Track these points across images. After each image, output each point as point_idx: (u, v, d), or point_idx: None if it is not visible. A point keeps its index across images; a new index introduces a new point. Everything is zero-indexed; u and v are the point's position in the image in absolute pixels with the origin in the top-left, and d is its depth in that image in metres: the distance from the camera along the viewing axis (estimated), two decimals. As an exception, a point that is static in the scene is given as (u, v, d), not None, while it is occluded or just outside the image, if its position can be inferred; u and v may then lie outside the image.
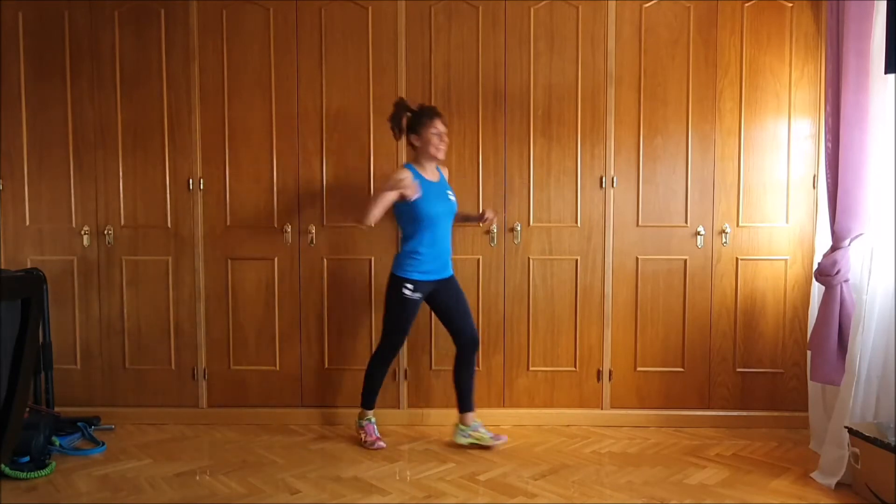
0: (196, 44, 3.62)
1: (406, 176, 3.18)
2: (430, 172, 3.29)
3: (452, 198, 3.33)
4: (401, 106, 3.28)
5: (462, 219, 3.44)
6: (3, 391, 1.60)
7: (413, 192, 3.16)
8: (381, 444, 3.36)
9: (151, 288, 3.71)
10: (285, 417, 3.70)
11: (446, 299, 3.34)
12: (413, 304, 3.27)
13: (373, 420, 3.43)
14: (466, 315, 3.36)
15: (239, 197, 3.67)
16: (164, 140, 3.65)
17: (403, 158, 3.60)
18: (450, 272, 3.36)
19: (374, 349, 3.46)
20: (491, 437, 3.33)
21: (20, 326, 1.62)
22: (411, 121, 3.25)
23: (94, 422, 3.58)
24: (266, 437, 3.52)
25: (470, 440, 3.33)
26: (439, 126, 3.23)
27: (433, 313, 3.49)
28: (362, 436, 3.40)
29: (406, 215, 3.24)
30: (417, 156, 3.29)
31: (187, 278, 3.70)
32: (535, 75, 3.59)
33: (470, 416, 3.36)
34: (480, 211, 3.48)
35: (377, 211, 3.14)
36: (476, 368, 3.46)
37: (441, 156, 3.27)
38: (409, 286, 3.23)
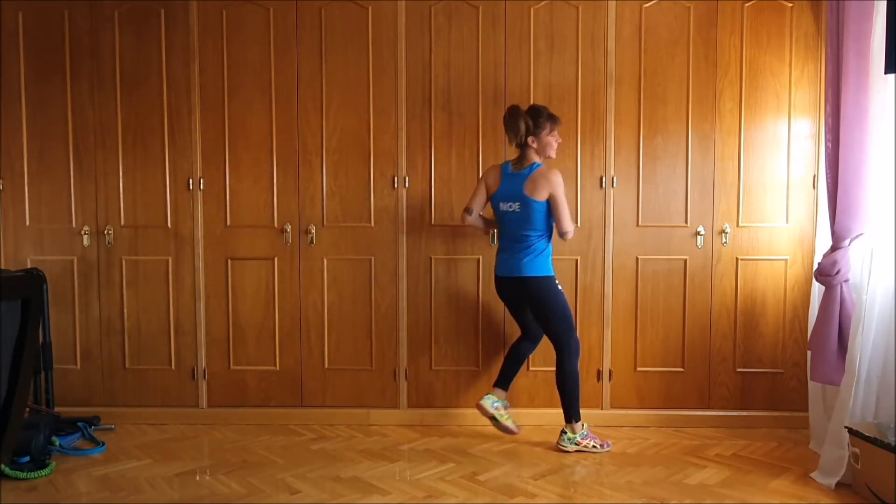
0: (196, 44, 3.62)
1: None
2: None
3: None
4: (515, 114, 3.24)
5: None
6: (3, 391, 1.60)
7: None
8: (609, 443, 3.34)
9: (151, 288, 3.71)
10: (285, 417, 3.70)
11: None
12: (562, 293, 3.32)
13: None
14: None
15: (239, 197, 3.67)
16: (164, 140, 3.65)
17: (403, 158, 3.61)
18: None
19: (558, 360, 3.31)
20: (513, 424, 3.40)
21: (20, 326, 1.62)
22: (544, 120, 3.24)
23: (94, 422, 3.58)
24: (266, 437, 3.52)
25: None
26: (557, 132, 3.28)
27: (507, 310, 3.53)
28: (590, 443, 3.31)
29: (546, 215, 3.23)
30: (538, 156, 3.29)
31: (187, 278, 3.70)
32: (535, 75, 3.59)
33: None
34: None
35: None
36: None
37: (554, 155, 3.31)
38: (556, 280, 3.30)
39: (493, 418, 3.36)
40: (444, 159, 3.61)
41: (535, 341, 3.46)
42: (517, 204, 3.21)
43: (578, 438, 3.30)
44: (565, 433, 3.31)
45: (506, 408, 3.40)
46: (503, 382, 3.43)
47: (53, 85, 3.64)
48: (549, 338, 3.32)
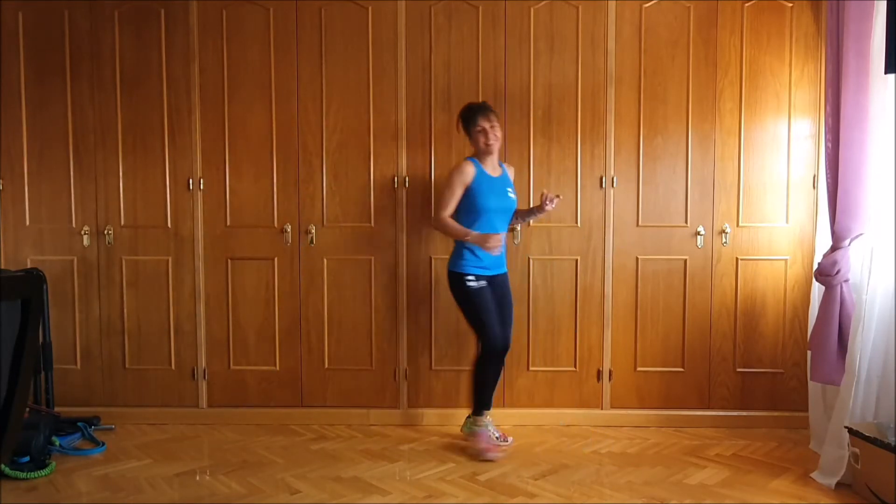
0: (196, 44, 3.62)
1: (466, 169, 3.23)
2: (492, 168, 3.30)
3: (512, 195, 3.33)
4: (464, 109, 3.31)
5: (526, 215, 3.43)
6: (3, 391, 1.60)
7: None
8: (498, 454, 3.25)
9: (151, 288, 3.71)
10: (285, 417, 3.70)
11: (495, 297, 3.33)
12: (481, 292, 3.26)
13: (489, 424, 3.35)
14: (504, 322, 3.34)
15: (239, 197, 3.67)
16: (164, 140, 3.65)
17: (403, 158, 3.61)
18: (503, 269, 3.38)
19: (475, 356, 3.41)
20: (498, 438, 3.35)
21: (20, 326, 1.62)
22: (462, 120, 3.29)
23: (94, 422, 3.58)
24: (266, 437, 3.52)
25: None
26: (482, 123, 3.23)
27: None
28: (478, 442, 3.29)
29: (463, 208, 3.25)
30: (478, 150, 3.30)
31: (187, 278, 3.70)
32: (535, 75, 3.59)
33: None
34: (543, 197, 3.29)
35: (451, 208, 3.24)
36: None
37: (491, 151, 3.26)
38: (471, 277, 3.25)
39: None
40: (444, 159, 3.61)
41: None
42: None
43: (476, 429, 3.33)
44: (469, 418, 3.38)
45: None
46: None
47: (53, 85, 3.64)
48: None
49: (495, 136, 3.24)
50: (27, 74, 3.65)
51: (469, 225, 3.23)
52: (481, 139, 3.23)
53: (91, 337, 3.74)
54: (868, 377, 2.94)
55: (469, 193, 3.22)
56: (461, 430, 3.42)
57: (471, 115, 3.25)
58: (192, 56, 3.62)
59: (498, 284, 3.34)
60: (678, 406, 3.67)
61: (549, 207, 3.27)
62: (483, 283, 3.26)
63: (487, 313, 3.25)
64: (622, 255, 3.63)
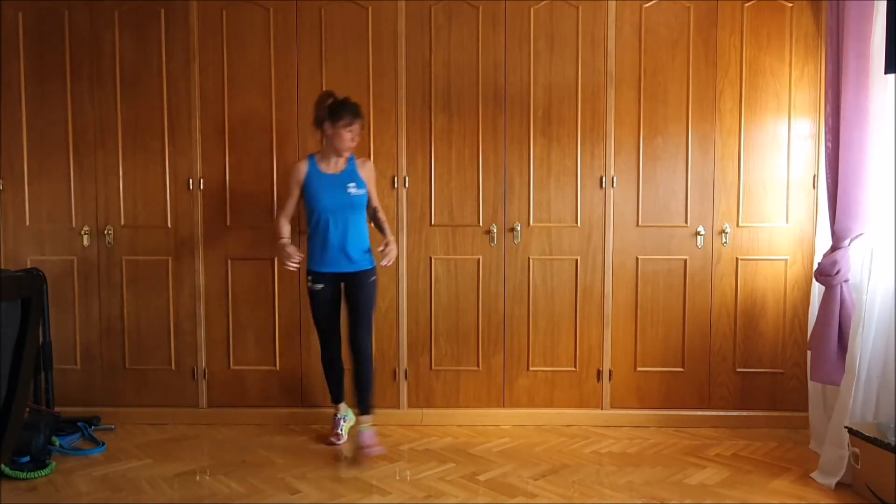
0: (196, 44, 3.62)
1: (298, 167, 3.27)
2: (332, 164, 3.26)
3: (353, 191, 3.24)
4: (326, 94, 3.24)
5: (372, 220, 3.36)
6: (3, 391, 1.60)
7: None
8: (337, 441, 3.41)
9: (151, 288, 3.71)
10: (285, 417, 3.70)
11: (347, 296, 3.33)
12: (316, 295, 3.29)
13: (341, 416, 3.49)
14: (355, 322, 3.29)
15: (239, 197, 3.67)
16: (164, 140, 3.65)
17: (404, 158, 3.61)
18: (350, 268, 3.27)
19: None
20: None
21: (20, 326, 1.62)
22: (329, 110, 3.18)
23: (94, 422, 3.58)
24: (266, 437, 3.52)
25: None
26: (343, 129, 3.15)
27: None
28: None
29: (305, 206, 3.31)
30: (324, 146, 3.27)
31: (187, 278, 3.70)
32: (534, 75, 3.59)
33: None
34: (384, 241, 3.19)
35: (287, 207, 3.31)
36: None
37: (339, 155, 3.23)
38: (310, 277, 3.29)
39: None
40: (444, 159, 3.61)
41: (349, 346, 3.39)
42: None
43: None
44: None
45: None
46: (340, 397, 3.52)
47: (53, 85, 3.64)
48: None
49: (350, 146, 3.22)
50: (27, 74, 3.64)
51: (312, 223, 3.27)
52: (335, 143, 3.19)
53: (91, 337, 3.74)
54: (868, 377, 2.94)
55: (304, 191, 3.27)
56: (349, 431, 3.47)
57: (337, 114, 3.16)
58: (192, 56, 3.62)
59: (350, 285, 3.29)
60: (678, 406, 3.67)
61: (384, 263, 3.21)
62: (320, 286, 3.27)
63: (317, 319, 3.34)
64: (622, 255, 3.63)
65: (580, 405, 3.69)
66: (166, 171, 3.67)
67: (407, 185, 3.62)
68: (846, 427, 2.85)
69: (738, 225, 3.60)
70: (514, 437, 3.46)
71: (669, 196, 3.61)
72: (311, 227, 3.28)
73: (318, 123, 3.23)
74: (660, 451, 3.32)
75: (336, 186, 3.23)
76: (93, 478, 3.01)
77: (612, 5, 3.55)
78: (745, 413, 3.64)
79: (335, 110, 3.18)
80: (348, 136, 3.19)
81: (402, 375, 3.70)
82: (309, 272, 3.29)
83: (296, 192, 3.28)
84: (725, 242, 3.60)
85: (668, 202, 3.61)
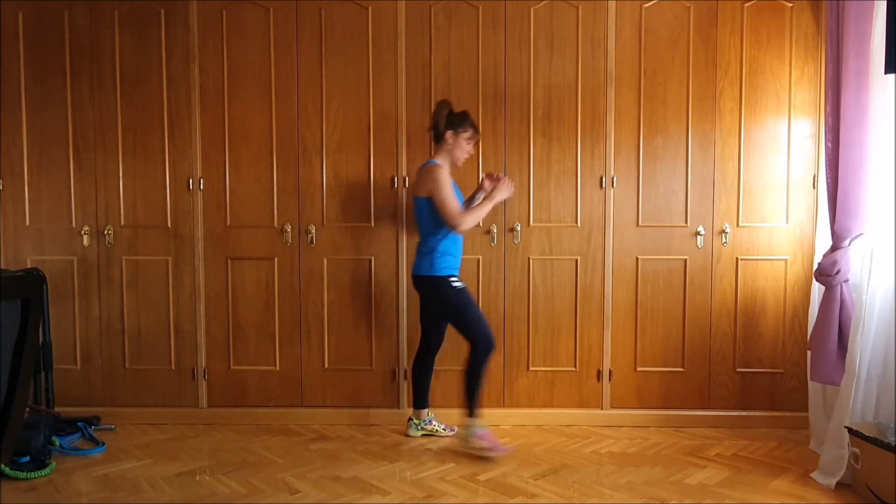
0: (196, 44, 3.62)
1: (446, 172, 3.22)
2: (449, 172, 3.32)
3: None
4: (445, 103, 3.29)
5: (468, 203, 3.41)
6: (3, 391, 1.60)
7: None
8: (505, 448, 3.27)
9: (151, 288, 3.71)
10: (285, 417, 3.70)
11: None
12: (466, 290, 3.29)
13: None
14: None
15: (239, 197, 3.67)
16: (164, 140, 3.65)
17: (403, 158, 3.61)
18: None
19: (467, 358, 3.28)
20: (444, 429, 3.47)
21: (20, 326, 1.62)
22: (453, 120, 3.25)
23: (94, 422, 3.58)
24: (266, 437, 3.52)
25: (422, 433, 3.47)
26: (473, 133, 3.28)
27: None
28: (479, 443, 3.23)
29: (438, 216, 3.21)
30: (441, 154, 3.29)
31: (187, 278, 3.70)
32: (534, 75, 3.59)
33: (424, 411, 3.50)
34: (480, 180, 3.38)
35: (458, 202, 3.20)
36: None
37: (460, 163, 3.32)
38: (454, 278, 3.27)
39: (432, 433, 3.47)
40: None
41: (432, 350, 3.46)
42: (413, 200, 3.32)
43: (477, 430, 3.23)
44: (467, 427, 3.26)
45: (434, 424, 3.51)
46: (422, 401, 3.48)
47: (53, 85, 3.64)
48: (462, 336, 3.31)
49: (466, 157, 3.32)
50: (27, 74, 3.65)
51: (447, 232, 3.24)
52: (456, 153, 3.26)
53: (91, 337, 3.74)
54: (868, 377, 2.94)
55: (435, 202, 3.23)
56: (460, 436, 3.35)
57: (463, 126, 3.25)
58: (192, 56, 3.62)
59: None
60: (678, 406, 3.67)
61: (486, 186, 3.30)
62: (464, 283, 3.30)
63: (478, 309, 3.31)
64: (622, 255, 3.63)
65: (580, 405, 3.69)
66: (166, 171, 3.67)
67: (407, 185, 3.62)
68: (846, 427, 2.85)
69: (738, 225, 3.60)
70: (514, 437, 3.46)
71: (669, 196, 3.61)
72: (451, 237, 3.26)
73: (438, 130, 3.25)
74: (660, 451, 3.32)
75: (458, 193, 3.31)
76: (93, 478, 3.01)
77: (612, 5, 3.55)
78: (745, 413, 3.64)
79: (460, 122, 3.24)
80: (468, 148, 3.28)
81: (401, 375, 3.70)
82: (451, 276, 3.25)
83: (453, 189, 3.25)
84: (725, 242, 3.60)
85: (668, 202, 3.61)
